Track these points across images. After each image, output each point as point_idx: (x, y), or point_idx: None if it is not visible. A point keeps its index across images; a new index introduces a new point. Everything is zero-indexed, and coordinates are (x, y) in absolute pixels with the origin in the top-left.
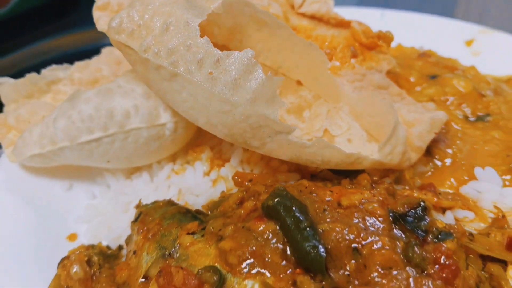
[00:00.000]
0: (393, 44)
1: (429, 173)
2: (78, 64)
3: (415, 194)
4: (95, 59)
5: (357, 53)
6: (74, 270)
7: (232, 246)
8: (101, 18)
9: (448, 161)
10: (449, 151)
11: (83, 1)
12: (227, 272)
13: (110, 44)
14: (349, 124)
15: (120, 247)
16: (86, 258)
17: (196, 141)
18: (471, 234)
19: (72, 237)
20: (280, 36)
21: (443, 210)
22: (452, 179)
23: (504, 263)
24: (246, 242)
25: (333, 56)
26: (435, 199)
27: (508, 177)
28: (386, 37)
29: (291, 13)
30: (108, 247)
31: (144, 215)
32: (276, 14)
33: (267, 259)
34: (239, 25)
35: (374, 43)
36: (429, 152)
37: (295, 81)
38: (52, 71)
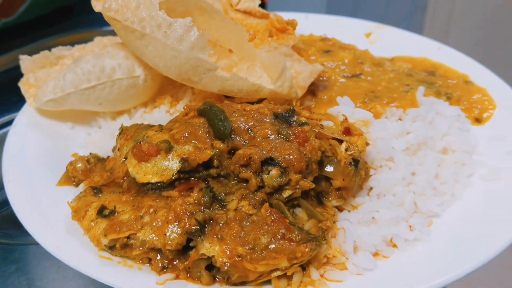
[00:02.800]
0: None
1: (313, 105)
2: (77, 47)
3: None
4: (89, 44)
5: (273, 34)
6: (78, 165)
7: (177, 131)
8: (97, 5)
9: (325, 98)
10: (326, 93)
11: (76, 10)
12: (174, 144)
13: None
14: (260, 74)
15: (108, 156)
16: (86, 159)
17: (160, 93)
18: (322, 125)
19: (74, 155)
20: (216, 19)
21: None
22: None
23: (340, 141)
24: (186, 128)
25: (256, 36)
26: (308, 113)
27: (360, 105)
28: (292, 24)
29: (230, 10)
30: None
31: (125, 130)
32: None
33: (197, 135)
34: (188, 10)
35: (284, 27)
36: (314, 93)
37: (227, 49)
38: (59, 50)
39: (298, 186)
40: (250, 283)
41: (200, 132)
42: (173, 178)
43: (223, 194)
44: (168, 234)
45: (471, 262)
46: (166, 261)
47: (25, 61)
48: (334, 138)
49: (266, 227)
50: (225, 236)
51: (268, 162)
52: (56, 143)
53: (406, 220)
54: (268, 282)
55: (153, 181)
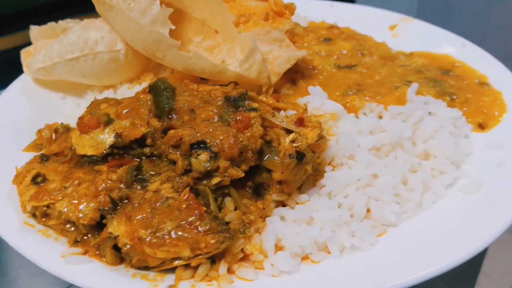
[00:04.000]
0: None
1: (291, 93)
2: (86, 20)
3: (262, 98)
4: (99, 19)
5: (268, 17)
6: (44, 133)
7: (123, 105)
8: None
9: (305, 87)
10: (309, 82)
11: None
12: (115, 118)
13: None
14: (238, 57)
15: None
16: (54, 128)
17: (147, 70)
18: (274, 113)
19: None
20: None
21: (280, 110)
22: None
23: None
24: (130, 103)
25: (251, 18)
26: (271, 101)
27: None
28: (290, 8)
29: None
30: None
31: (92, 102)
32: None
33: (138, 111)
34: None
35: (281, 11)
36: (294, 81)
37: (214, 30)
38: (66, 22)
39: (226, 174)
40: (153, 269)
41: (142, 108)
42: (105, 152)
43: (148, 174)
44: (82, 208)
45: (401, 282)
46: (80, 235)
47: (34, 31)
48: (284, 129)
49: (178, 212)
50: (133, 216)
51: (200, 145)
52: (44, 112)
53: (349, 224)
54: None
55: (88, 153)
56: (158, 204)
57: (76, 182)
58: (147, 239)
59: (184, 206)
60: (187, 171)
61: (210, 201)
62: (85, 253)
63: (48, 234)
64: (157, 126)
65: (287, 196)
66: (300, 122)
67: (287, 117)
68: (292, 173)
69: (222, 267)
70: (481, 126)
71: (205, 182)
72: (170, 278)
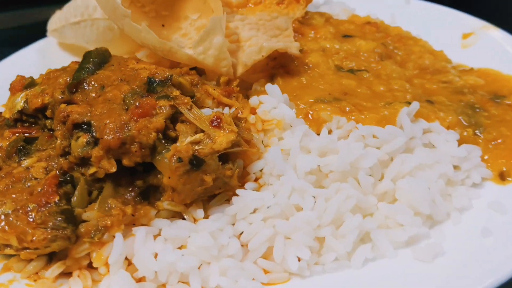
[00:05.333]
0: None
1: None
2: None
3: (207, 87)
4: None
5: (283, 1)
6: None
7: (55, 71)
8: None
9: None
10: (287, 81)
11: None
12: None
13: None
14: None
15: None
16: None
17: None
18: (191, 106)
19: None
20: None
21: (224, 106)
22: None
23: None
24: (60, 71)
25: (262, 1)
26: (214, 91)
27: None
28: None
29: None
30: None
31: None
32: None
33: (58, 80)
34: None
35: None
36: (272, 77)
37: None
38: None
39: (100, 166)
40: None
41: (63, 77)
42: (13, 117)
43: (36, 149)
44: None
45: None
46: None
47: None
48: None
49: (27, 195)
50: None
51: (85, 127)
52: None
53: (233, 259)
54: None
55: (6, 116)
56: (17, 182)
57: None
58: None
59: (39, 190)
60: (67, 152)
61: (77, 192)
62: None
63: None
64: (57, 98)
65: (182, 206)
66: (218, 121)
67: (206, 116)
68: (180, 180)
69: (54, 269)
70: (502, 176)
71: (83, 170)
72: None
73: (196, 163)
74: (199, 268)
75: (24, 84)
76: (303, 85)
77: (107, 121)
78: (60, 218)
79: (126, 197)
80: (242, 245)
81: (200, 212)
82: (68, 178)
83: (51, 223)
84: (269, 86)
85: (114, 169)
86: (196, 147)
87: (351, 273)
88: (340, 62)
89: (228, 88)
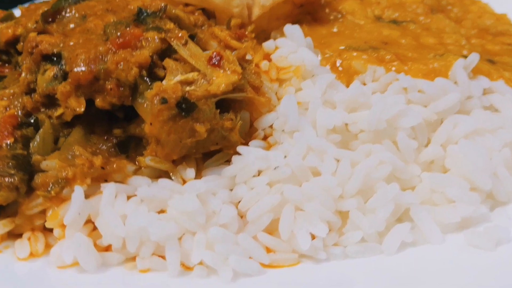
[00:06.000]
0: None
1: None
2: None
3: (214, 29)
4: None
5: None
6: None
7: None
8: None
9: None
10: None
11: None
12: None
13: None
14: None
15: None
16: None
17: None
18: (187, 41)
19: None
20: None
21: (232, 50)
22: None
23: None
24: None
25: None
26: (222, 32)
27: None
28: None
29: None
30: None
31: None
32: None
33: (36, 12)
34: None
35: None
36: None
37: None
38: None
39: (67, 106)
40: None
41: (42, 9)
42: None
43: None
44: None
45: None
46: None
47: None
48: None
49: None
50: None
51: (57, 60)
52: None
53: (205, 229)
54: None
55: None
56: None
57: None
58: None
59: None
60: (32, 90)
61: (38, 136)
62: None
63: None
64: (30, 28)
65: (169, 164)
66: (216, 60)
67: (204, 53)
68: (163, 128)
69: None
70: None
71: (49, 111)
72: None
73: (185, 107)
74: (180, 239)
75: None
76: (333, 33)
77: (80, 51)
78: (10, 164)
79: (99, 147)
80: (240, 216)
81: (190, 172)
82: (32, 121)
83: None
84: (288, 27)
85: (82, 109)
86: (187, 88)
87: (381, 260)
88: (381, 12)
89: (239, 31)
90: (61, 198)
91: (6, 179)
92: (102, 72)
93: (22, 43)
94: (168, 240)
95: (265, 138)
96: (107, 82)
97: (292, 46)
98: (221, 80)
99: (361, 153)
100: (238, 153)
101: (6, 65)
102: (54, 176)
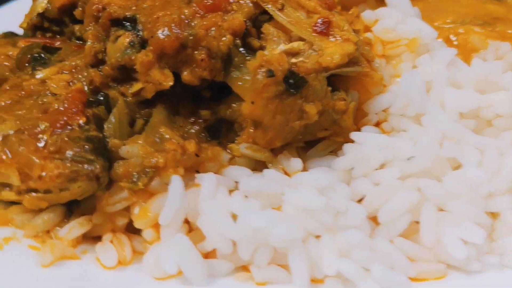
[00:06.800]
0: None
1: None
2: None
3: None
4: None
5: None
6: None
7: None
8: None
9: None
10: None
11: None
12: None
13: None
14: None
15: None
16: None
17: None
18: (282, 5)
19: None
20: None
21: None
22: None
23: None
24: None
25: None
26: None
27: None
28: None
29: None
30: None
31: None
32: None
33: None
34: None
35: None
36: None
37: None
38: None
39: (149, 79)
40: None
41: None
42: (30, 22)
43: (53, 60)
44: None
45: None
46: None
47: None
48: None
49: (38, 111)
50: None
51: (128, 25)
52: None
53: (333, 232)
54: None
55: (23, 25)
56: (28, 97)
57: None
58: None
59: (56, 106)
60: (100, 61)
61: (113, 116)
62: None
63: None
64: None
65: (268, 153)
66: (325, 27)
67: (306, 20)
68: (268, 107)
69: (73, 227)
70: None
71: (122, 87)
72: None
73: (293, 82)
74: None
75: None
76: (431, 6)
77: (160, 14)
78: (86, 147)
79: (186, 131)
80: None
81: (296, 162)
82: (102, 99)
83: (71, 152)
84: None
85: (170, 82)
86: (294, 60)
87: None
88: None
89: (328, 1)
90: (149, 192)
91: (85, 166)
92: (190, 39)
93: (80, 9)
94: (291, 245)
95: (377, 124)
96: (196, 51)
97: (397, 16)
98: (334, 51)
99: (508, 141)
100: (349, 141)
101: (58, 36)
102: (138, 164)
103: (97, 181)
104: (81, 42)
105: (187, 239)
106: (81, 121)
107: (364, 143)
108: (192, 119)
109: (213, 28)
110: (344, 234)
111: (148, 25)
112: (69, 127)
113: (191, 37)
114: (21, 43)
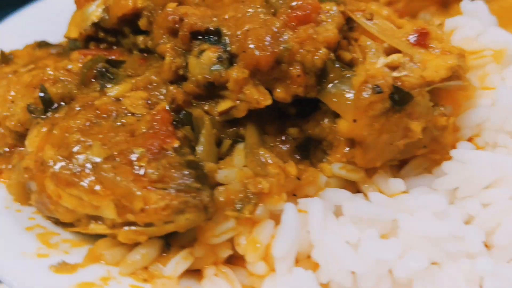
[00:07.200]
0: None
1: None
2: None
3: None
4: None
5: None
6: None
7: None
8: None
9: None
10: None
11: None
12: None
13: None
14: None
15: None
16: None
17: None
18: (372, 15)
19: None
20: None
21: None
22: None
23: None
24: None
25: None
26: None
27: None
28: None
29: None
30: None
31: None
32: None
33: None
34: None
35: None
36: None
37: None
38: None
39: (241, 97)
40: (68, 227)
41: None
42: (84, 32)
43: (124, 74)
44: (12, 104)
45: None
46: (5, 145)
47: None
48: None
49: (126, 135)
50: (58, 127)
51: (210, 37)
52: None
53: (474, 260)
54: None
55: (72, 35)
56: (105, 117)
57: (31, 66)
58: (52, 167)
59: (143, 129)
60: (180, 77)
61: (201, 137)
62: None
63: None
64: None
65: (361, 173)
66: (421, 38)
67: (397, 29)
68: (374, 125)
69: (175, 262)
70: None
71: (207, 105)
72: (83, 252)
73: (398, 99)
74: None
75: None
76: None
77: (248, 27)
78: (188, 173)
79: (278, 151)
80: None
81: (397, 183)
82: (182, 118)
83: (177, 181)
84: (467, 3)
85: (268, 101)
86: (396, 74)
87: None
88: None
89: (399, 10)
90: (252, 220)
91: (192, 196)
92: (286, 54)
93: (145, 18)
94: (416, 275)
95: (469, 139)
96: (291, 67)
97: (477, 25)
98: (437, 64)
99: None
100: (446, 159)
101: (115, 47)
102: (239, 190)
103: (204, 212)
104: (146, 54)
105: (309, 272)
106: (175, 145)
107: (468, 160)
108: (280, 138)
109: (308, 41)
110: (468, 261)
111: (236, 39)
112: (166, 152)
113: (286, 52)
114: (75, 56)
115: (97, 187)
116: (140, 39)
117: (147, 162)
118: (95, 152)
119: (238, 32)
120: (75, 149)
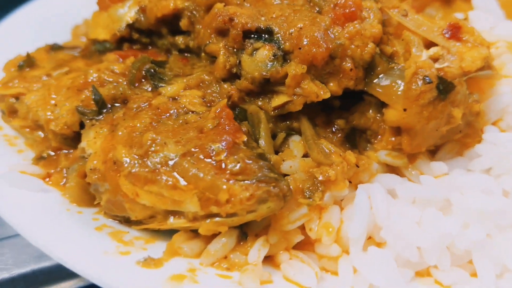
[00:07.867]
0: None
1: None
2: None
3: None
4: None
5: None
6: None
7: None
8: None
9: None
10: None
11: None
12: None
13: None
14: None
15: None
16: None
17: None
18: (405, 11)
19: None
20: None
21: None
22: None
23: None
24: None
25: None
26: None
27: None
28: None
29: None
30: None
31: None
32: None
33: None
34: None
35: None
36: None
37: None
38: None
39: (298, 91)
40: (136, 225)
41: None
42: (119, 34)
43: (171, 74)
44: (56, 107)
45: None
46: (49, 149)
47: None
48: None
49: (195, 133)
50: (121, 127)
51: (261, 36)
52: None
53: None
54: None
55: (100, 37)
56: (165, 117)
57: (66, 69)
58: (127, 166)
59: (210, 126)
60: (233, 75)
61: (260, 132)
62: (45, 176)
63: (13, 143)
64: (202, 1)
65: (404, 158)
66: (454, 31)
67: (431, 24)
68: (422, 113)
69: (257, 249)
70: None
71: (260, 100)
72: (158, 248)
73: (442, 88)
74: None
75: None
76: None
77: (300, 25)
78: (264, 166)
79: (331, 141)
80: None
81: (440, 167)
82: (238, 114)
83: (258, 174)
84: None
85: (327, 94)
86: (438, 65)
87: None
88: None
89: (415, 4)
90: (320, 206)
91: (273, 186)
92: (339, 50)
93: (186, 19)
94: (475, 246)
95: (493, 123)
96: (343, 61)
97: (489, 18)
98: (473, 55)
99: None
100: (476, 142)
101: (150, 47)
102: (305, 180)
103: (283, 200)
104: (186, 54)
105: (383, 250)
106: (244, 139)
107: (501, 143)
108: (329, 130)
109: (356, 37)
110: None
111: (289, 36)
112: (238, 146)
113: (339, 48)
114: (113, 57)
115: (180, 182)
116: (180, 39)
117: (226, 156)
118: (171, 149)
119: (291, 30)
120: (152, 148)
